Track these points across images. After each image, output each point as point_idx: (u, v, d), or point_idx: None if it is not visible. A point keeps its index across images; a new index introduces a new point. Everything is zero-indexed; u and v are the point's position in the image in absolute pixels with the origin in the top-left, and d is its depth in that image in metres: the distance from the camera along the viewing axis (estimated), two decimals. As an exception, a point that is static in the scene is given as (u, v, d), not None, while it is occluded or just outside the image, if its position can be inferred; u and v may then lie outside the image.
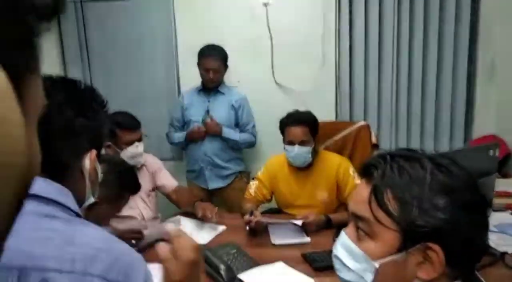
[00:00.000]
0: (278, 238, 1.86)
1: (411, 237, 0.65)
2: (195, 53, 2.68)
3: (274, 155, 2.34)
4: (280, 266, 1.60)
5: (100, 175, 0.79)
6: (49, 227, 0.60)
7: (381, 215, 0.67)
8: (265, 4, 2.91)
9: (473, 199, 0.66)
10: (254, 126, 2.78)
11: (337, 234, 1.93)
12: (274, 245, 1.82)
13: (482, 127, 2.90)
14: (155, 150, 2.48)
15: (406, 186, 0.65)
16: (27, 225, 0.58)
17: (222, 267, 1.46)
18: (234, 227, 2.02)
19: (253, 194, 2.26)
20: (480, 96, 2.92)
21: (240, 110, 2.73)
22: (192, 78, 2.93)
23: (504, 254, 1.57)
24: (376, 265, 0.68)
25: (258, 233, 1.92)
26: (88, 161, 0.73)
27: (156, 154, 2.36)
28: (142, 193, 2.15)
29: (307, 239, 1.85)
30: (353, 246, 0.72)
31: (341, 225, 2.00)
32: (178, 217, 2.16)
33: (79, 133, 0.70)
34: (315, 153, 2.16)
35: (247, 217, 1.91)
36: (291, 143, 2.09)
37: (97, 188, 0.80)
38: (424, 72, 2.90)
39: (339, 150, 2.61)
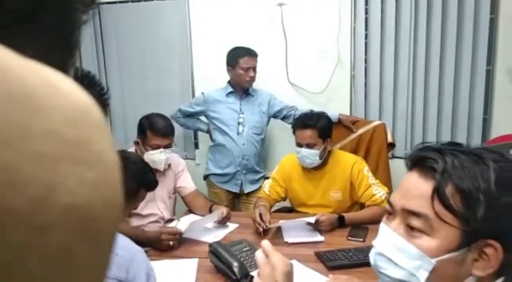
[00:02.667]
0: (291, 236, 1.85)
1: (474, 234, 0.63)
2: (210, 55, 2.70)
3: (288, 154, 2.34)
4: (293, 264, 1.59)
5: None
6: None
7: (442, 211, 0.64)
8: (280, 4, 2.91)
9: None
10: (291, 106, 2.74)
11: (351, 234, 1.92)
12: (287, 243, 1.81)
13: (500, 126, 2.83)
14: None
15: (470, 181, 0.62)
16: None
17: (235, 264, 1.46)
18: (247, 225, 2.02)
19: (267, 193, 2.26)
20: (499, 95, 2.85)
21: (270, 105, 2.73)
22: (207, 79, 2.95)
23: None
24: (434, 262, 0.66)
25: (270, 232, 1.91)
26: None
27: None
28: (164, 194, 2.19)
29: (321, 238, 1.84)
30: (405, 242, 0.68)
31: (355, 224, 2.00)
32: (189, 215, 2.17)
33: None
34: (327, 154, 2.15)
35: (257, 222, 1.90)
36: (299, 145, 2.10)
37: None
38: (441, 71, 2.84)
39: (354, 149, 2.59)
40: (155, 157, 2.04)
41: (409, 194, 0.69)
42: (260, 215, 1.91)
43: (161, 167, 2.08)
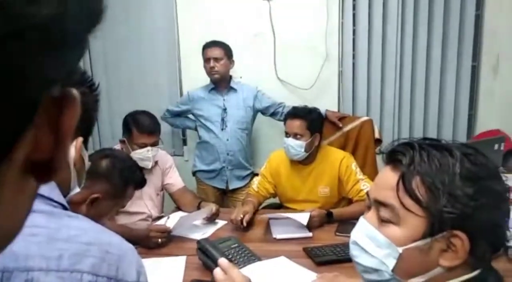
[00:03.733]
0: (279, 232, 1.85)
1: (438, 224, 0.65)
2: (198, 50, 2.68)
3: (276, 150, 2.34)
4: (281, 260, 1.60)
5: (87, 163, 0.75)
6: (30, 223, 0.56)
7: (408, 201, 0.67)
8: (268, 0, 2.90)
9: (498, 187, 0.67)
10: (280, 103, 2.72)
11: (339, 229, 1.93)
12: (275, 239, 1.82)
13: (486, 122, 2.88)
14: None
15: (436, 173, 0.65)
16: None
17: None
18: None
19: (256, 189, 2.26)
20: (484, 91, 2.90)
21: (257, 100, 2.71)
22: (194, 75, 2.93)
23: (507, 248, 1.56)
24: (400, 250, 0.68)
25: (258, 228, 1.91)
26: (73, 148, 0.68)
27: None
28: (152, 191, 2.16)
29: (309, 234, 1.85)
30: (375, 231, 0.72)
31: (343, 220, 2.02)
32: (178, 212, 2.16)
33: None
34: (315, 149, 2.16)
35: (233, 217, 1.89)
36: (286, 135, 2.11)
37: (84, 178, 0.76)
38: (428, 67, 2.88)
39: (342, 145, 2.61)
40: (143, 156, 2.01)
41: (380, 186, 0.74)
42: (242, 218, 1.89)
43: (148, 165, 2.05)
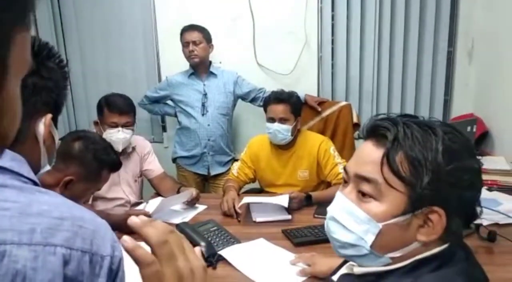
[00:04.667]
0: (259, 215, 1.86)
1: (419, 200, 0.66)
2: (176, 35, 2.64)
3: (256, 135, 2.34)
4: (261, 242, 1.62)
5: (57, 141, 0.73)
6: (1, 198, 0.55)
7: (391, 177, 0.67)
8: (246, -17, 2.86)
9: (476, 165, 0.68)
10: (260, 89, 2.72)
11: (317, 211, 1.95)
12: (255, 222, 1.83)
13: (461, 106, 2.95)
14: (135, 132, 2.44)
15: (419, 150, 0.65)
16: None
17: (202, 243, 1.46)
18: (215, 206, 2.01)
19: (236, 174, 2.26)
20: (459, 76, 2.96)
21: (237, 86, 2.69)
22: (172, 60, 2.88)
23: (479, 226, 1.62)
24: (380, 226, 0.68)
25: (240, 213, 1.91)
26: (42, 125, 0.67)
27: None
28: (129, 177, 2.14)
29: (288, 216, 1.86)
30: (355, 207, 0.71)
31: (321, 202, 2.04)
32: (157, 198, 2.15)
33: (32, 93, 0.63)
34: (296, 132, 2.17)
35: (227, 208, 1.89)
36: (271, 120, 2.10)
37: (54, 155, 0.74)
38: (405, 52, 2.91)
39: (321, 129, 2.63)
40: (113, 136, 1.98)
41: (362, 161, 0.72)
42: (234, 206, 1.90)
43: (119, 147, 2.00)
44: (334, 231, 0.75)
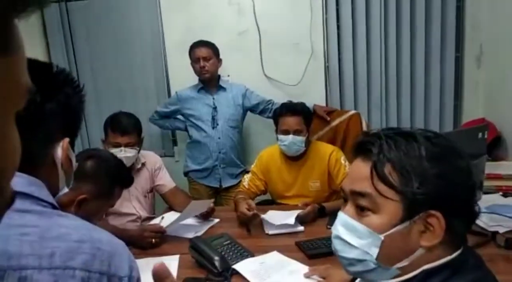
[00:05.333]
0: (271, 227, 1.86)
1: (413, 206, 0.68)
2: (184, 50, 2.68)
3: (266, 147, 2.35)
4: (274, 255, 1.61)
5: (75, 164, 0.75)
6: (22, 223, 0.57)
7: (382, 188, 0.69)
8: (252, -3, 2.91)
9: (462, 164, 0.70)
10: (268, 101, 2.74)
11: (330, 222, 1.95)
12: (268, 234, 1.83)
13: (471, 111, 2.92)
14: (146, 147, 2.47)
15: (404, 158, 0.68)
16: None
17: (216, 257, 1.46)
18: (228, 219, 2.02)
19: (246, 186, 2.26)
20: (468, 81, 2.94)
21: (246, 98, 2.72)
22: (181, 75, 2.93)
23: (495, 233, 1.59)
24: (382, 237, 0.70)
25: (251, 225, 1.91)
26: (60, 149, 0.69)
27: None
28: (139, 193, 2.15)
29: (301, 228, 1.86)
30: (355, 223, 0.73)
31: (334, 213, 2.02)
32: (171, 212, 2.16)
33: (50, 119, 0.65)
34: (308, 143, 2.18)
35: (244, 210, 1.90)
36: (285, 132, 2.10)
37: (72, 178, 0.76)
38: (412, 59, 2.91)
39: (331, 139, 2.63)
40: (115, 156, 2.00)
41: (354, 178, 0.75)
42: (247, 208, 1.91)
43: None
44: (340, 249, 0.77)
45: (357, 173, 0.74)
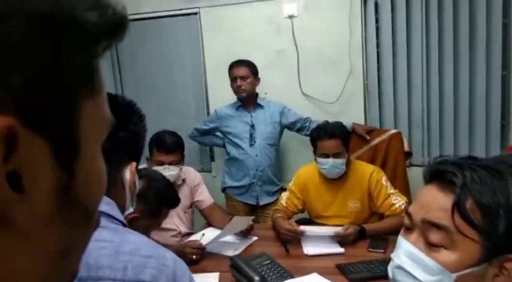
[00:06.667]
0: (311, 248, 1.84)
1: (495, 249, 0.63)
2: (224, 69, 2.75)
3: (304, 165, 2.34)
4: (314, 277, 1.59)
5: (138, 187, 0.81)
6: (99, 238, 0.62)
7: (463, 224, 0.64)
8: (290, 17, 2.94)
9: None
10: (306, 118, 2.75)
11: (371, 245, 1.91)
12: (307, 255, 1.81)
13: (519, 132, 2.80)
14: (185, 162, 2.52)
15: (491, 196, 0.63)
16: None
17: (256, 278, 1.46)
18: (265, 238, 2.02)
19: (284, 205, 2.26)
20: (516, 100, 2.82)
21: (284, 116, 2.74)
22: (220, 94, 2.99)
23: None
24: (454, 277, 0.66)
25: (291, 243, 1.91)
26: (129, 172, 0.75)
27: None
28: (179, 209, 2.17)
29: (341, 249, 1.83)
30: (423, 256, 0.69)
31: (375, 235, 1.99)
32: (211, 228, 2.18)
33: (121, 146, 0.72)
34: (348, 163, 2.15)
35: (289, 226, 1.91)
36: (325, 156, 2.08)
37: (135, 199, 0.82)
38: (455, 77, 2.82)
39: (371, 159, 2.59)
40: None
41: (428, 206, 0.69)
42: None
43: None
44: (403, 280, 0.73)
45: (433, 202, 0.68)
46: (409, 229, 0.74)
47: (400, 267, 0.73)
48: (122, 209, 0.77)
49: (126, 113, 0.75)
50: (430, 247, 0.69)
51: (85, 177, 0.27)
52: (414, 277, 0.70)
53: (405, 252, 0.72)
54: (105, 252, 0.61)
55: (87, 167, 0.27)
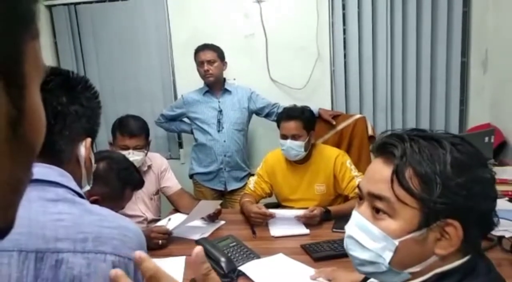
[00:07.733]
0: (277, 230, 1.87)
1: (432, 214, 0.66)
2: (190, 54, 2.70)
3: (272, 150, 2.36)
4: (280, 257, 1.62)
5: (93, 165, 0.79)
6: (56, 210, 0.62)
7: (402, 193, 0.68)
8: (258, 1, 2.93)
9: (487, 175, 0.68)
10: (274, 104, 2.75)
11: (335, 225, 1.96)
12: (273, 237, 1.84)
13: (476, 116, 2.93)
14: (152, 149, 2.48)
15: (428, 165, 0.66)
16: (36, 210, 0.60)
17: (222, 259, 1.47)
18: (233, 221, 2.03)
19: (252, 189, 2.28)
20: (474, 86, 2.95)
21: (252, 101, 2.74)
22: (187, 78, 2.95)
23: (501, 238, 1.59)
24: (396, 243, 0.69)
25: (259, 226, 1.93)
26: (83, 148, 0.74)
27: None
28: (145, 195, 2.16)
29: (306, 231, 1.87)
30: (370, 225, 0.72)
31: (340, 216, 2.04)
32: (177, 213, 2.17)
33: (74, 119, 0.71)
34: (311, 147, 2.18)
35: (255, 209, 1.94)
36: (284, 137, 2.12)
37: (92, 177, 0.80)
38: (418, 64, 2.92)
39: (336, 143, 2.64)
40: None
41: (373, 179, 0.74)
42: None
43: None
44: (352, 248, 0.76)
45: (376, 175, 0.72)
46: (361, 200, 0.78)
47: (350, 237, 0.76)
48: (79, 186, 0.75)
49: (79, 89, 0.73)
50: (376, 215, 0.72)
51: (31, 114, 0.29)
52: (362, 245, 0.74)
53: (355, 222, 0.76)
54: (62, 223, 0.60)
55: (32, 104, 0.29)
